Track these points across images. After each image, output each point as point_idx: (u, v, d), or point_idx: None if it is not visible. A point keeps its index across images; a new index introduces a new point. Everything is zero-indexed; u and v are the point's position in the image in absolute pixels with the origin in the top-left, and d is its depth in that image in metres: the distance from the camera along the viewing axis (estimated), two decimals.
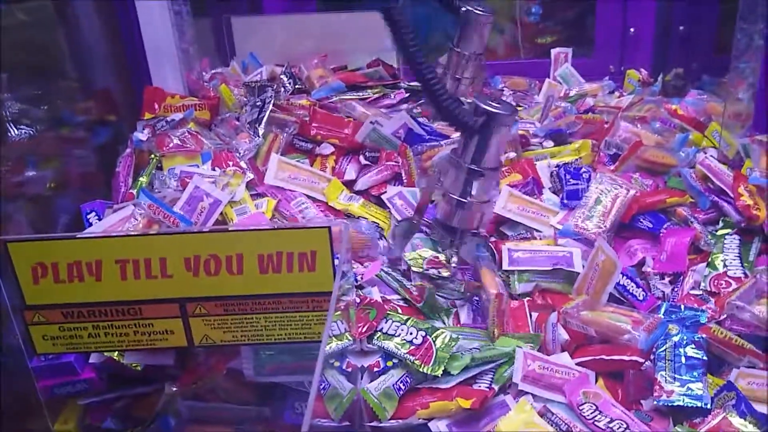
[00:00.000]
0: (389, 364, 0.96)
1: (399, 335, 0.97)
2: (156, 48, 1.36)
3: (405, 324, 0.98)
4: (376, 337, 0.97)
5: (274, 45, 1.94)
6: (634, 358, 0.97)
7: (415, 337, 0.97)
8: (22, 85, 1.27)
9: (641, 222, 1.22)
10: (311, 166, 1.38)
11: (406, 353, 0.95)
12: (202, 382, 1.00)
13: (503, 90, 1.92)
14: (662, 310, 1.06)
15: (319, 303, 0.91)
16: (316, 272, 0.89)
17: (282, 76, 1.61)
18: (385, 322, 0.99)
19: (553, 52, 2.05)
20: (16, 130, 1.26)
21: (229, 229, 1.03)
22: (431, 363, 0.94)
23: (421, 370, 0.93)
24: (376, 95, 1.68)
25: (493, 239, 1.22)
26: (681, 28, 2.14)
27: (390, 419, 0.91)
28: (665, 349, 0.96)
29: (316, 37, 1.97)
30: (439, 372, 0.93)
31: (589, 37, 2.23)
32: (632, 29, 2.19)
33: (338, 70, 1.84)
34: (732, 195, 1.20)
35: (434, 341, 0.96)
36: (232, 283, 0.90)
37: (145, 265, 0.88)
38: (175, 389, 1.00)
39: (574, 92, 1.85)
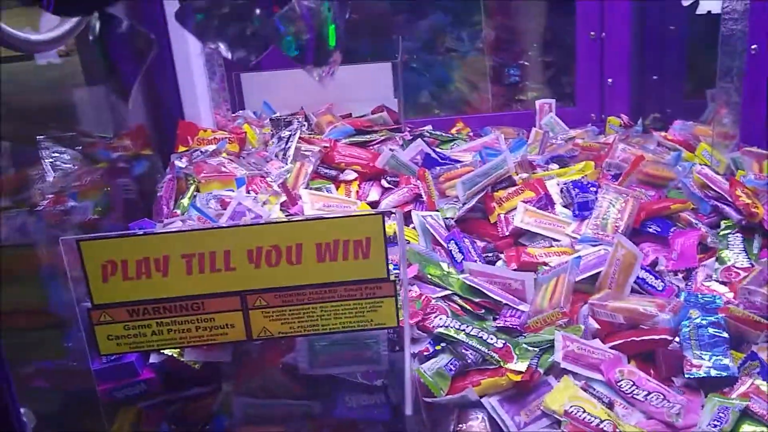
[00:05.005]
0: (438, 348, 1.02)
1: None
2: (190, 87, 1.45)
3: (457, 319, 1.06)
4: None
5: (279, 97, 2.05)
6: (664, 336, 1.04)
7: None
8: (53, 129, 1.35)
9: (649, 228, 1.31)
10: (336, 190, 1.46)
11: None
12: (257, 378, 1.03)
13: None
14: (681, 298, 1.14)
15: (372, 290, 0.96)
16: (369, 259, 0.94)
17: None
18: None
19: (538, 103, 2.18)
20: (53, 172, 1.33)
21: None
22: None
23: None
24: (382, 138, 1.78)
25: (514, 248, 1.30)
26: (654, 77, 2.30)
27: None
28: (689, 330, 1.04)
29: (317, 90, 2.08)
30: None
31: (566, 92, 2.38)
32: (610, 80, 2.35)
33: (344, 117, 1.95)
34: (731, 198, 1.30)
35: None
36: (290, 274, 0.95)
37: (210, 259, 0.93)
38: (230, 388, 1.04)
39: (560, 138, 1.96)
